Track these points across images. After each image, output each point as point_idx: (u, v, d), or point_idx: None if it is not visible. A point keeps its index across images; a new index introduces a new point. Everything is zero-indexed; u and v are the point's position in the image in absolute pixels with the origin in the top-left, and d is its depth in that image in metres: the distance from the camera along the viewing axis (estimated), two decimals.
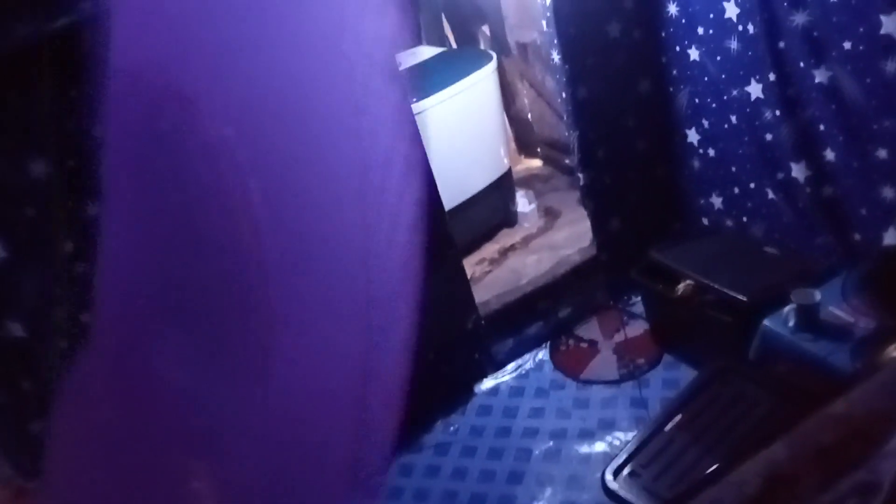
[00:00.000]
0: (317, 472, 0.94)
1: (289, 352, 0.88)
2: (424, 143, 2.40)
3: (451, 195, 2.84)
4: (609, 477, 1.86)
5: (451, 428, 2.64)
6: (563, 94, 2.64)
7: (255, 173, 0.83)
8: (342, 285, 0.91)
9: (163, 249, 0.85)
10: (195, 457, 0.89)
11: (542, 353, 2.86)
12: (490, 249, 3.31)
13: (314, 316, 0.90)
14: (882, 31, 1.90)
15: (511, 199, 3.45)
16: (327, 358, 0.92)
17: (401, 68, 2.28)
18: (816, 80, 2.12)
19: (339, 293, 0.91)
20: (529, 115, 3.90)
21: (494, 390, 2.77)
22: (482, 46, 3.84)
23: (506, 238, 3.38)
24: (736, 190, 2.61)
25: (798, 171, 2.32)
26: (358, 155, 0.87)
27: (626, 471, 1.87)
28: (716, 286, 2.34)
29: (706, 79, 2.49)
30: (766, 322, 2.09)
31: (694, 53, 2.49)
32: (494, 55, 3.25)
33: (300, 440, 0.92)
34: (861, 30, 1.95)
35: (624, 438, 2.34)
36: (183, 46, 0.80)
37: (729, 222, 2.71)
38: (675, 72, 2.61)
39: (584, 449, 2.40)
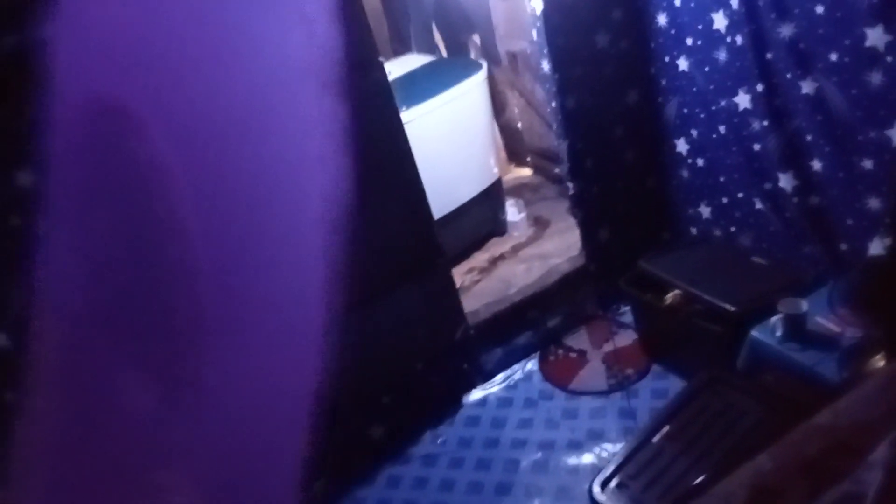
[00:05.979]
0: (261, 485, 0.94)
1: (225, 365, 0.89)
2: (414, 152, 2.41)
3: (441, 204, 2.83)
4: (597, 489, 1.86)
5: (439, 439, 2.63)
6: (553, 104, 2.65)
7: (196, 192, 0.84)
8: (277, 293, 0.92)
9: (107, 264, 0.85)
10: (146, 472, 0.89)
11: (531, 364, 2.85)
12: (479, 259, 3.31)
13: (250, 328, 0.91)
14: (867, 44, 1.91)
15: (500, 208, 3.45)
16: (264, 370, 0.92)
17: (390, 78, 2.28)
18: (803, 91, 2.13)
19: (274, 303, 0.92)
20: (519, 125, 3.91)
21: (483, 401, 2.76)
22: (472, 56, 3.85)
23: (495, 247, 3.38)
24: (724, 200, 2.62)
25: (785, 182, 2.33)
26: (290, 164, 0.89)
27: (613, 482, 1.86)
28: (704, 296, 2.35)
29: (694, 89, 2.50)
30: (753, 332, 2.09)
31: (683, 64, 2.50)
32: (484, 64, 3.26)
33: (241, 453, 0.92)
34: (846, 42, 1.96)
35: (612, 449, 2.33)
36: (127, 66, 0.81)
37: (717, 232, 2.72)
38: (663, 82, 2.62)
39: (573, 460, 2.39)
